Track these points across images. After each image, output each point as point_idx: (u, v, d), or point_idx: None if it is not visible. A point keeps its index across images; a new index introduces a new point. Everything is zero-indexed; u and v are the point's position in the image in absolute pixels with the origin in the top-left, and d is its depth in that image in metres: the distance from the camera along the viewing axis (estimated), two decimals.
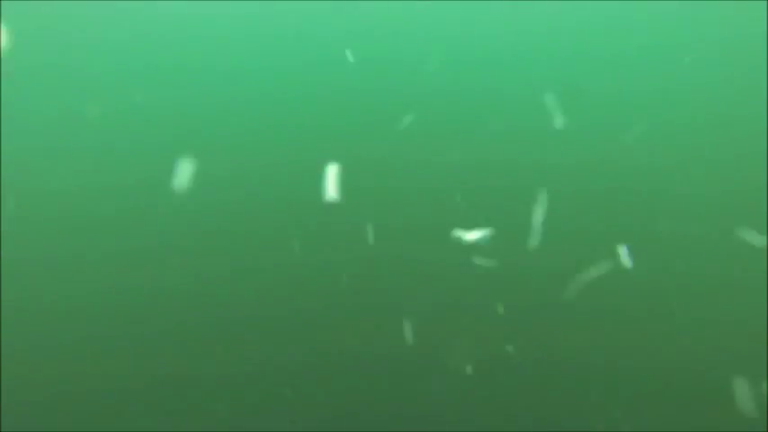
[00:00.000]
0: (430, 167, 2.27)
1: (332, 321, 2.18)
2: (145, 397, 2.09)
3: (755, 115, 2.22)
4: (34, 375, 2.09)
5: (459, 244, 2.23)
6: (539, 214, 2.23)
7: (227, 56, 2.29)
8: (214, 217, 2.23)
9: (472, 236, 2.10)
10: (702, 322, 2.17)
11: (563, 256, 2.22)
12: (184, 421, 2.06)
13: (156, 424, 2.06)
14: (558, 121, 2.26)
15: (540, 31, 2.29)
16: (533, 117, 2.27)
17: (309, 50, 2.29)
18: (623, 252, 2.21)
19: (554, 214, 2.24)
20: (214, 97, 2.27)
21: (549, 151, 2.26)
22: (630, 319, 2.18)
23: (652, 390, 2.14)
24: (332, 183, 2.11)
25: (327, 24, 2.30)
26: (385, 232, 2.24)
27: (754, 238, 2.19)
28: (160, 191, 2.23)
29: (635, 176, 2.24)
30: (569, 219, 2.24)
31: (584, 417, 2.13)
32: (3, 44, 2.28)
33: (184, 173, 2.24)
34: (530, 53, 2.28)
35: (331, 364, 2.14)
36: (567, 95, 2.27)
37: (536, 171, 2.26)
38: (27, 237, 2.21)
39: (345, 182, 2.25)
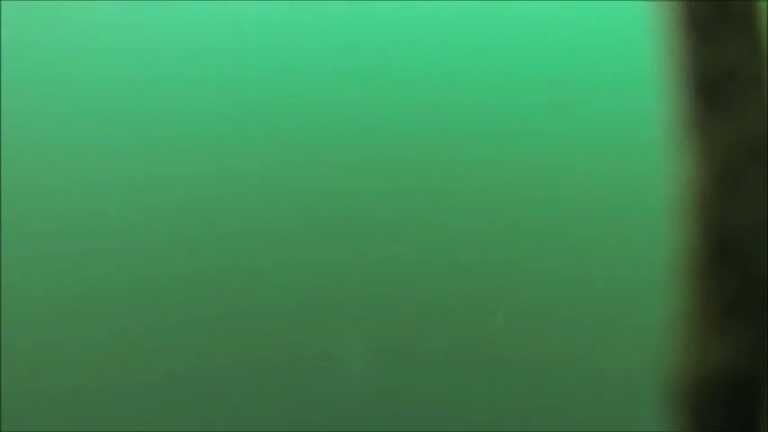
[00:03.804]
0: (429, 168, 2.27)
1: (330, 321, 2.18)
2: (146, 397, 2.09)
3: None
4: (34, 375, 2.09)
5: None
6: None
7: (233, 59, 2.29)
8: (214, 217, 2.23)
9: None
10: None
11: (560, 259, 2.22)
12: (185, 421, 2.06)
13: (157, 424, 2.06)
14: (557, 124, 2.26)
15: (539, 31, 2.29)
16: (531, 120, 2.27)
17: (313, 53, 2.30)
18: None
19: (552, 215, 2.24)
20: (216, 98, 2.27)
21: (547, 154, 2.26)
22: (628, 317, 2.18)
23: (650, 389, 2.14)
24: None
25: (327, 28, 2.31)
26: (384, 231, 2.24)
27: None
28: (161, 191, 2.23)
29: (635, 177, 2.24)
30: (567, 220, 2.24)
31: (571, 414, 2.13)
32: (3, 44, 2.28)
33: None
34: (528, 53, 2.28)
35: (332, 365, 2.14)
36: (566, 96, 2.27)
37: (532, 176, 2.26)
38: (27, 237, 2.21)
39: (344, 181, 2.25)
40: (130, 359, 2.13)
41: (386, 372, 2.11)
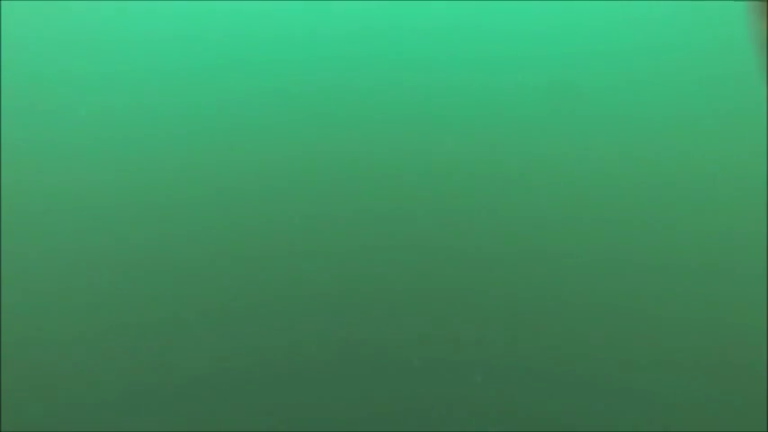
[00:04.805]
0: (428, 164, 2.28)
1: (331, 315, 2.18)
2: (146, 397, 2.08)
3: (755, 115, 2.24)
4: (34, 375, 2.08)
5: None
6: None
7: (228, 53, 2.30)
8: (213, 215, 2.23)
9: None
10: (702, 321, 2.18)
11: (560, 256, 2.23)
12: (185, 421, 2.05)
13: (158, 424, 2.05)
14: (557, 120, 2.28)
15: (539, 30, 2.31)
16: (531, 115, 2.28)
17: (312, 47, 2.30)
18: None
19: (551, 212, 2.25)
20: (215, 94, 2.28)
21: (547, 150, 2.27)
22: (629, 316, 2.19)
23: (648, 388, 2.15)
24: None
25: (328, 22, 2.32)
26: (382, 227, 2.24)
27: (754, 238, 2.20)
28: (160, 188, 2.23)
29: (633, 176, 2.25)
30: (566, 217, 2.25)
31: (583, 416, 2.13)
32: (3, 44, 2.28)
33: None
34: (529, 52, 2.30)
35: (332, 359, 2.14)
36: (566, 94, 2.28)
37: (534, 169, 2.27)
38: (27, 236, 2.20)
39: (338, 178, 2.25)
40: (131, 359, 2.12)
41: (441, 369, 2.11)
